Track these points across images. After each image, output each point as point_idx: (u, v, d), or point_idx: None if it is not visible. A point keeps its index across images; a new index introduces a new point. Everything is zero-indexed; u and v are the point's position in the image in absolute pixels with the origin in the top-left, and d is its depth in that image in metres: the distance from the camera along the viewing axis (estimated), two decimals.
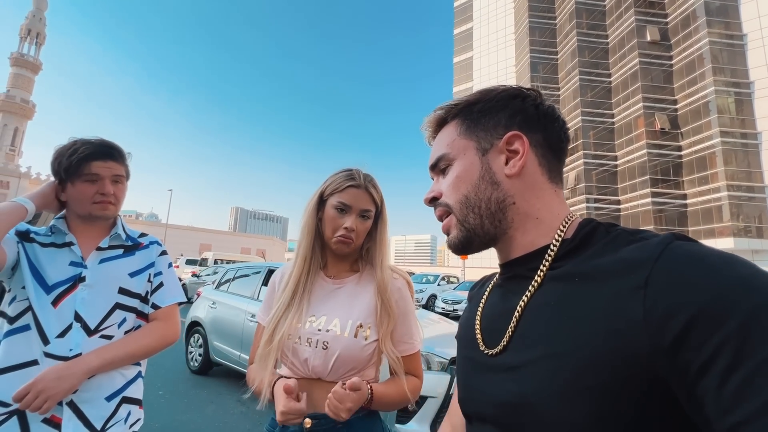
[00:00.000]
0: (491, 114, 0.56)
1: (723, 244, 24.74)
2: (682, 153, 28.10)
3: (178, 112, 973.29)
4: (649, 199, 27.94)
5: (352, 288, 1.07)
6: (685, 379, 0.35)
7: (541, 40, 37.53)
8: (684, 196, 27.80)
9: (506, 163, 0.54)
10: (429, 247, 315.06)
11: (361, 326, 1.00)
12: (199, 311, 5.20)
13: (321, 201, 1.08)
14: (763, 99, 25.54)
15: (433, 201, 0.62)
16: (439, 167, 0.61)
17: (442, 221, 0.61)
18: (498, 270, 0.70)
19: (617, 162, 31.34)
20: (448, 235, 0.60)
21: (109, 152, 1.15)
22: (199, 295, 5.56)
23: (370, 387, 0.95)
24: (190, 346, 5.24)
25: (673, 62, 29.27)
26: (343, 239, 1.02)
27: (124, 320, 1.15)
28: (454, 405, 0.71)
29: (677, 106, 28.61)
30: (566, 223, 0.53)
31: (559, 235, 0.51)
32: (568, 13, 34.79)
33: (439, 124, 0.63)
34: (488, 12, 47.60)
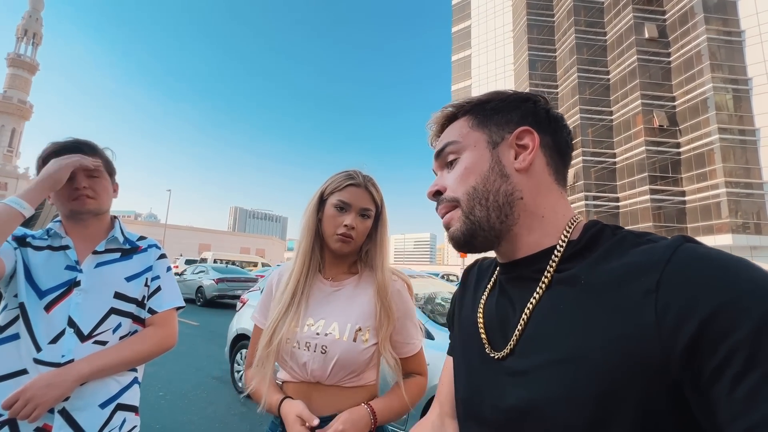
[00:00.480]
0: (504, 112, 0.57)
1: (721, 240, 24.80)
2: (681, 150, 28.13)
3: (177, 113, 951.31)
4: (647, 196, 27.98)
5: (350, 291, 1.06)
6: (699, 383, 0.34)
7: (540, 38, 37.51)
8: (682, 193, 27.85)
9: (515, 158, 0.55)
10: (428, 245, 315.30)
11: (360, 330, 0.99)
12: (247, 322, 4.18)
13: (321, 201, 1.07)
14: (761, 95, 25.57)
15: (436, 195, 0.60)
16: (445, 158, 0.60)
17: (444, 217, 0.59)
18: (493, 258, 0.67)
19: (616, 159, 31.37)
20: (449, 228, 0.57)
21: (76, 146, 1.12)
22: (244, 303, 4.61)
23: (371, 409, 0.95)
24: (237, 364, 4.34)
25: (671, 59, 29.27)
26: (343, 237, 1.01)
27: (120, 325, 1.13)
28: (443, 388, 0.71)
29: (675, 103, 28.63)
30: (572, 224, 0.52)
31: (565, 236, 0.51)
32: (566, 11, 34.76)
33: (449, 120, 0.62)
34: (486, 10, 47.57)
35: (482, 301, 0.62)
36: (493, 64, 45.33)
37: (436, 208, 0.60)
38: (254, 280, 13.66)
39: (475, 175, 0.55)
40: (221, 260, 29.06)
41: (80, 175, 1.11)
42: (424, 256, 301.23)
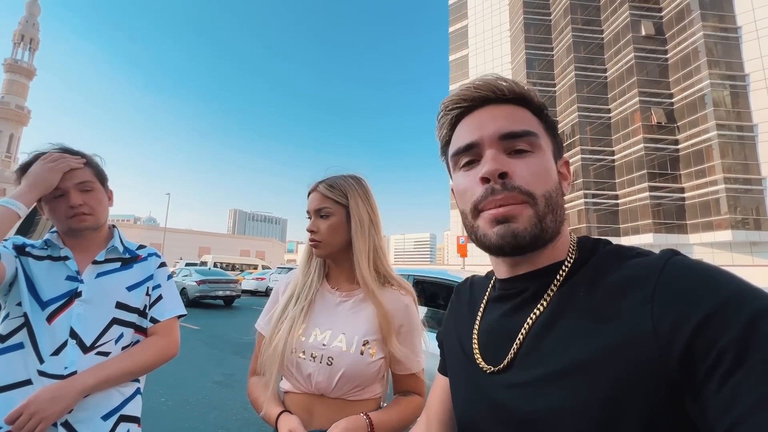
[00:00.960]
0: (556, 131, 0.57)
1: (721, 236, 24.80)
2: (679, 147, 28.12)
3: (176, 116, 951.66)
4: (647, 194, 27.96)
5: (358, 302, 1.05)
6: (694, 386, 0.36)
7: (537, 37, 37.49)
8: (681, 190, 27.83)
9: (562, 181, 0.56)
10: (428, 245, 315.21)
11: (367, 343, 0.98)
12: None
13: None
14: (759, 91, 25.57)
15: (503, 177, 0.49)
16: (513, 143, 0.51)
17: (498, 207, 0.49)
18: (485, 272, 0.68)
19: (614, 157, 31.35)
20: (508, 221, 0.48)
21: None
22: None
23: (370, 420, 0.92)
24: None
25: (668, 56, 29.29)
26: (311, 242, 1.05)
27: (122, 336, 1.12)
28: (432, 404, 0.72)
29: (673, 100, 28.63)
30: (573, 242, 0.55)
31: (572, 254, 0.52)
32: (562, 9, 34.77)
33: (517, 101, 0.54)
34: (483, 9, 47.53)
35: (478, 318, 0.61)
36: (491, 63, 45.24)
37: (492, 191, 0.49)
38: (234, 281, 14.47)
39: (550, 182, 0.51)
40: (221, 263, 29.08)
41: (73, 191, 1.08)
42: (424, 256, 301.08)
